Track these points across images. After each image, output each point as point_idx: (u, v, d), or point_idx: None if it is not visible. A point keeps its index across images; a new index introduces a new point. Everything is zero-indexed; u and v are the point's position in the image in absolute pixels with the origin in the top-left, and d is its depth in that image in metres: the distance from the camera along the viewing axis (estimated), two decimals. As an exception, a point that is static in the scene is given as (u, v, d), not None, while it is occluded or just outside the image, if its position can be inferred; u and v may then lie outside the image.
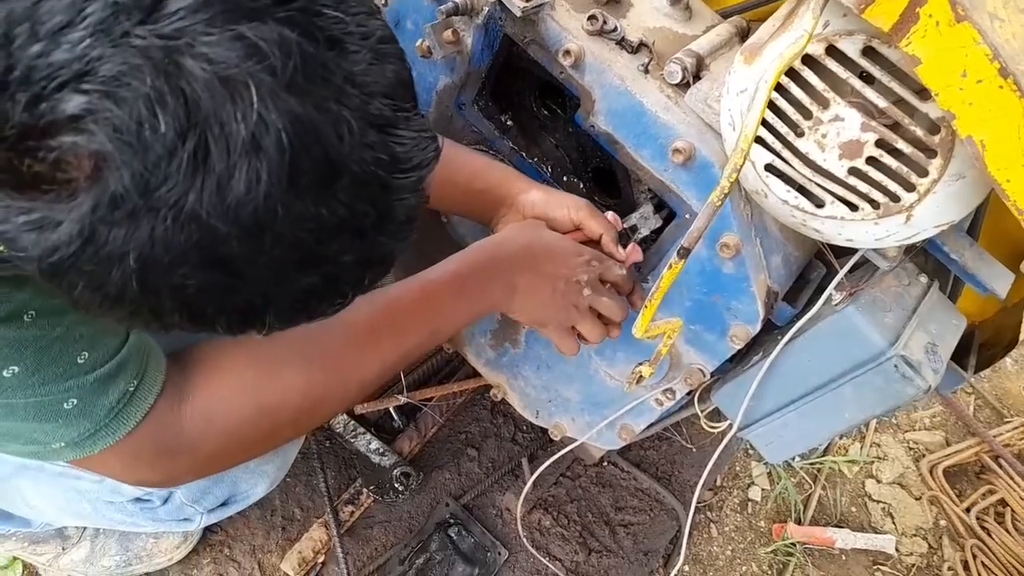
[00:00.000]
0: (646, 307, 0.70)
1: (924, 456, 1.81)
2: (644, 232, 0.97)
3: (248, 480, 0.96)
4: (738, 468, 1.65)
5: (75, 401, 0.59)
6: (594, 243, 0.93)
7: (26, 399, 0.57)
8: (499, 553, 1.25)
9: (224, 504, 0.98)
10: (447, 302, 0.81)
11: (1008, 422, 1.89)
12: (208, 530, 1.17)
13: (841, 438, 1.82)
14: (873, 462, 1.80)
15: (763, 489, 1.64)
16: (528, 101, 1.07)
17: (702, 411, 1.10)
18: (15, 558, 1.09)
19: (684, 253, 0.63)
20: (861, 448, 1.81)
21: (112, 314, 0.47)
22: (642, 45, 0.89)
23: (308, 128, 0.42)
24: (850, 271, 0.96)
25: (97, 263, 0.42)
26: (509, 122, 1.03)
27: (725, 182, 0.58)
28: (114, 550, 1.07)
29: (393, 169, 0.49)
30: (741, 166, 0.57)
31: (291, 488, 1.24)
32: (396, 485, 1.23)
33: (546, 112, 1.08)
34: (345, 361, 0.74)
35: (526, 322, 0.89)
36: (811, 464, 1.73)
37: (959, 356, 1.17)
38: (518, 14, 0.85)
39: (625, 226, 0.94)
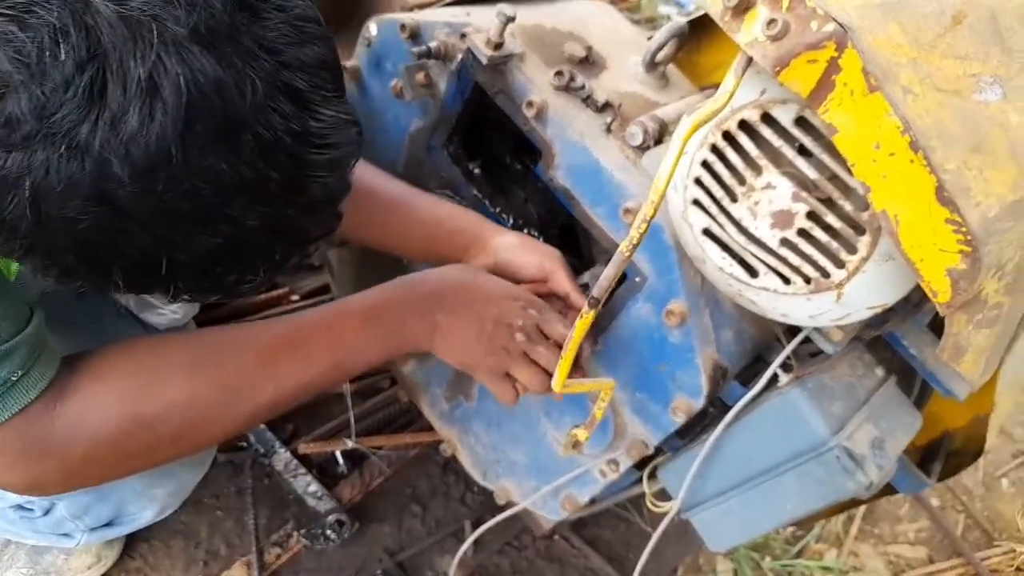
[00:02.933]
0: (562, 358, 0.67)
1: (904, 572, 1.71)
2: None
3: (135, 503, 0.92)
4: (701, 561, 1.57)
5: None
6: (558, 299, 0.90)
7: None
8: (429, 618, 1.19)
9: (108, 524, 0.93)
10: (357, 332, 0.77)
11: (997, 546, 1.79)
12: (126, 554, 1.12)
13: (817, 542, 1.73)
14: (849, 572, 1.70)
15: (726, 586, 1.55)
16: (503, 153, 1.07)
17: (651, 489, 1.06)
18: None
19: (594, 303, 0.61)
20: (838, 555, 1.72)
21: (9, 246, 0.48)
22: (607, 105, 0.89)
23: (208, 79, 0.44)
24: (807, 357, 0.93)
25: None
26: (476, 170, 1.03)
27: (634, 232, 0.56)
28: (22, 562, 1.03)
29: (306, 142, 0.50)
30: (651, 218, 0.55)
31: (220, 522, 1.20)
32: (329, 532, 1.18)
33: (520, 166, 1.08)
34: (238, 380, 0.70)
35: (454, 364, 0.85)
36: (782, 566, 1.64)
37: (926, 461, 1.12)
38: (484, 62, 0.86)
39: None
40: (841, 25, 0.49)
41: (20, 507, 0.87)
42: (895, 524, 1.82)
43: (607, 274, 0.59)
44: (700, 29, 1.04)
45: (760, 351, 0.96)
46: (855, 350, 0.92)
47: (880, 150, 0.50)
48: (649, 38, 1.09)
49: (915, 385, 1.04)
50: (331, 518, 1.18)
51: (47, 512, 0.88)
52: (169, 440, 0.68)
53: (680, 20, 0.94)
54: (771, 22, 0.51)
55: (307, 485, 1.21)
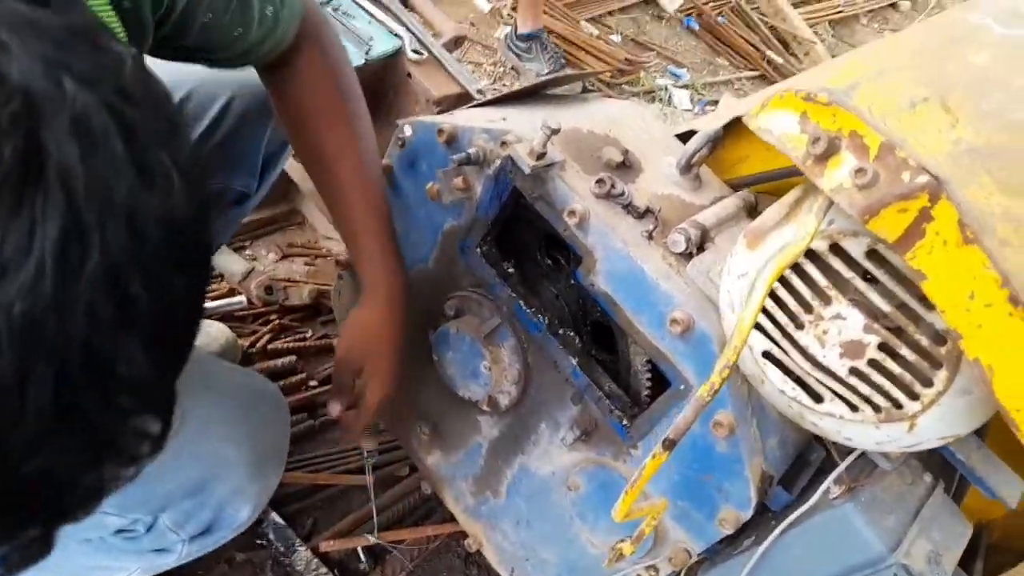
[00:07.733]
0: (626, 493, 0.65)
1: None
2: None
3: (233, 503, 0.94)
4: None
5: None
6: None
7: None
8: None
9: (207, 531, 0.95)
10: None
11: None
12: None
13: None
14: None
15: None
16: (533, 250, 1.06)
17: (688, 592, 1.03)
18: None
19: (669, 445, 0.59)
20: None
21: None
22: (648, 211, 0.89)
23: None
24: (846, 452, 0.92)
25: None
26: (511, 269, 1.02)
27: (716, 378, 0.55)
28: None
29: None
30: (733, 362, 0.54)
31: (239, 627, 1.15)
32: (351, 637, 1.13)
33: (550, 262, 1.07)
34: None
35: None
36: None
37: (965, 560, 1.10)
38: (527, 171, 0.85)
39: None
40: (935, 177, 0.49)
41: (122, 531, 0.87)
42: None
43: (685, 416, 0.57)
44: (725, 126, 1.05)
45: (801, 452, 0.95)
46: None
47: (975, 300, 0.50)
48: (679, 136, 1.10)
49: (954, 480, 1.02)
50: (353, 623, 1.13)
51: (150, 528, 0.89)
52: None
53: (716, 125, 0.95)
54: (859, 171, 0.51)
55: (328, 586, 1.16)
